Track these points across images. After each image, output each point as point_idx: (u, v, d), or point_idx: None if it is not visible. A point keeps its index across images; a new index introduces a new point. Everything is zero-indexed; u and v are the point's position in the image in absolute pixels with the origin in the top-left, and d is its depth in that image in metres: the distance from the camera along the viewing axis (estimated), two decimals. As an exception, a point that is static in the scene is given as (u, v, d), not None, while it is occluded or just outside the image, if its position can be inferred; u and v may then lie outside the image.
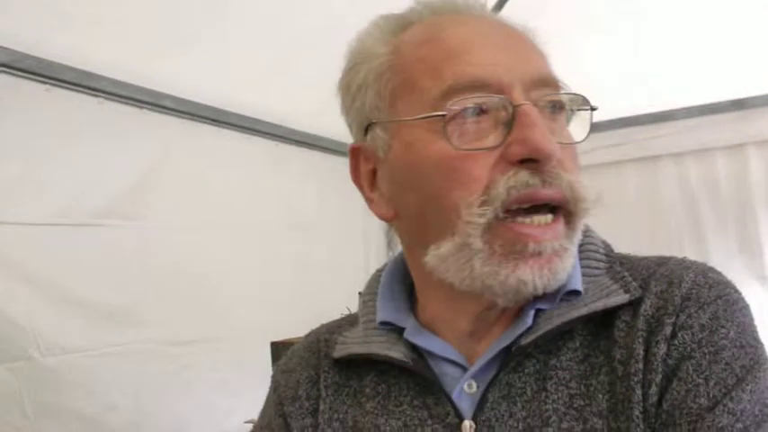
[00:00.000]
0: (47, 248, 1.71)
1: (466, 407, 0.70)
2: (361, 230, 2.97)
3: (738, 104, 2.75)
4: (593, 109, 0.70)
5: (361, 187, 0.78)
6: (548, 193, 0.65)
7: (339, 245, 2.70)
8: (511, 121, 0.65)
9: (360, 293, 0.88)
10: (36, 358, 1.66)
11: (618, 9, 2.18)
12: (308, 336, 0.91)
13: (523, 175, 0.65)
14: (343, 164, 0.82)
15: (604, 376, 0.66)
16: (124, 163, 1.91)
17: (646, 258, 0.75)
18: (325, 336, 0.86)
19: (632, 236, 2.82)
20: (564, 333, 0.69)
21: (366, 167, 0.76)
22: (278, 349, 1.95)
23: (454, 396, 0.71)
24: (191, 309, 2.08)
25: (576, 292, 0.71)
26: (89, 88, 1.79)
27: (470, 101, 0.66)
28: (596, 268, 0.74)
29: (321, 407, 0.80)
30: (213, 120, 2.21)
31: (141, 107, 1.95)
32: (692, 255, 0.76)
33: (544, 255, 0.65)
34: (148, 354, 1.94)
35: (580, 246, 0.74)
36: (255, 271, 2.34)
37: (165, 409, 1.99)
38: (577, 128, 0.72)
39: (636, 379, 0.64)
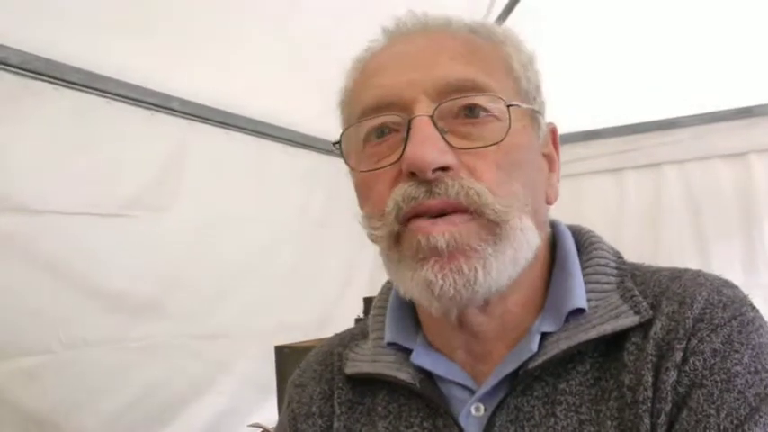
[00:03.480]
0: (74, 239, 1.69)
1: (474, 430, 0.70)
2: (370, 234, 2.96)
3: (744, 112, 2.74)
4: (509, 106, 0.68)
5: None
6: (432, 203, 0.65)
7: (348, 248, 2.69)
8: (407, 136, 0.66)
9: (364, 299, 0.88)
10: (57, 351, 1.65)
11: (622, 16, 2.18)
12: (321, 347, 0.89)
13: (409, 188, 0.66)
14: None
15: (614, 402, 0.65)
16: (132, 166, 1.91)
17: (659, 271, 0.73)
18: (338, 349, 0.85)
19: (635, 243, 2.82)
20: (573, 355, 0.68)
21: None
22: (282, 352, 1.95)
23: (461, 419, 0.71)
24: (202, 309, 2.09)
25: (581, 310, 0.69)
26: (96, 89, 1.80)
27: (375, 122, 0.69)
28: (606, 283, 0.72)
29: (335, 424, 0.79)
30: (221, 122, 2.22)
31: (149, 108, 1.96)
32: (694, 264, 0.75)
33: (441, 251, 0.64)
34: (159, 348, 1.94)
35: (586, 260, 0.74)
36: (263, 273, 2.33)
37: (177, 404, 2.00)
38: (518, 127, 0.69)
39: (644, 407, 0.62)
